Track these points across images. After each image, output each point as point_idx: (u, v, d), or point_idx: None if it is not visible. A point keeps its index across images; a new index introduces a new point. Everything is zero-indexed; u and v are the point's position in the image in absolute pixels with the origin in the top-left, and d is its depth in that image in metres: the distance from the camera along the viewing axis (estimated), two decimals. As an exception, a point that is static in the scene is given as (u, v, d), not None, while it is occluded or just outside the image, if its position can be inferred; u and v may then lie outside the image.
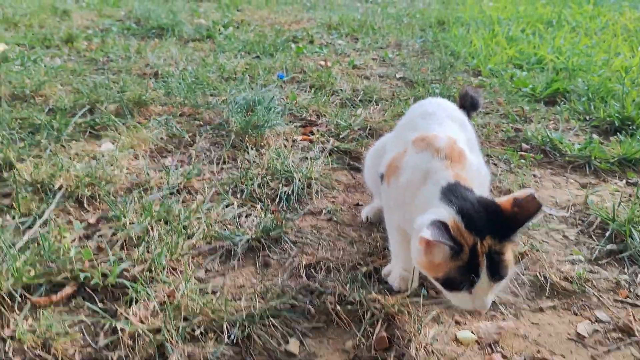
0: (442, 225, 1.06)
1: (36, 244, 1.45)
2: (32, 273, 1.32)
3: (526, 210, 1.11)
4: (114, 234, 1.53)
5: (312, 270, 1.44)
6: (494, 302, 1.31)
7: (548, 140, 2.29)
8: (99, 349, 1.15)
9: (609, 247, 1.61)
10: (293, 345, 1.19)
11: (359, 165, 2.07)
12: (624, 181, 2.06)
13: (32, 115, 2.29)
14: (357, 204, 1.82)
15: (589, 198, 1.87)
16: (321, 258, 1.48)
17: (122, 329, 1.17)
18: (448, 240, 1.05)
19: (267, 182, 1.87)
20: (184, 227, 1.55)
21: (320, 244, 1.56)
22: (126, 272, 1.34)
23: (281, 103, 2.62)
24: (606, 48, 3.94)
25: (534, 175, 2.06)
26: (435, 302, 1.33)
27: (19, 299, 1.25)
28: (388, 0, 7.46)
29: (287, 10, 5.94)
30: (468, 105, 1.72)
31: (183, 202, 1.74)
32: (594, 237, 1.67)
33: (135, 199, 1.71)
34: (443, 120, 1.41)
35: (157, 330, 1.18)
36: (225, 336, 1.18)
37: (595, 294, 1.42)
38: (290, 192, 1.82)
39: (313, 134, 2.34)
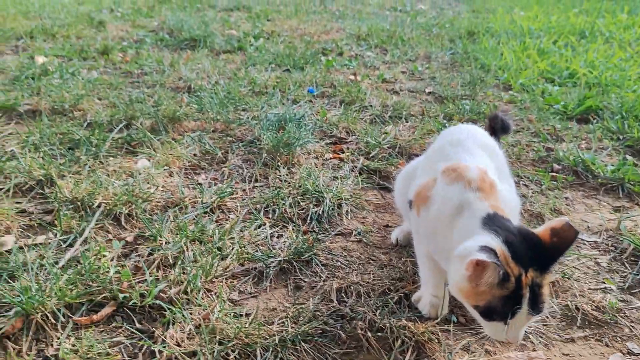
0: (492, 251, 1.07)
1: (77, 263, 1.50)
2: (74, 292, 1.37)
3: (564, 239, 1.12)
4: (150, 253, 1.58)
5: (342, 294, 1.46)
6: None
7: (580, 160, 2.27)
8: (137, 370, 1.19)
9: (642, 276, 1.59)
10: (324, 372, 1.21)
11: (389, 185, 2.09)
12: (659, 205, 2.03)
13: (72, 130, 2.37)
14: (387, 225, 1.84)
15: (622, 223, 1.85)
16: (352, 282, 1.50)
17: (159, 352, 1.22)
18: (501, 265, 1.05)
19: (298, 202, 1.90)
20: (219, 249, 1.59)
21: (350, 267, 1.59)
22: (163, 294, 1.39)
23: (311, 119, 2.65)
24: (641, 62, 3.88)
25: (566, 198, 2.05)
26: (466, 331, 1.34)
27: (62, 318, 1.30)
28: (417, 9, 7.46)
29: (316, 19, 5.99)
30: (498, 128, 1.71)
31: (217, 221, 1.78)
32: (627, 265, 1.66)
33: (171, 217, 1.76)
34: (473, 150, 1.42)
35: (193, 354, 1.22)
36: (259, 361, 1.21)
37: (628, 324, 1.41)
38: (320, 212, 1.85)
39: (343, 152, 2.36)
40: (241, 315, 1.36)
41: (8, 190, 1.90)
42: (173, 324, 1.30)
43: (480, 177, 1.29)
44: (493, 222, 1.18)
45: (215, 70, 3.55)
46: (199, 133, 2.45)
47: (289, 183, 2.03)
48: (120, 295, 1.37)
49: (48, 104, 2.74)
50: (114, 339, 1.27)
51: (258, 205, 1.90)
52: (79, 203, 1.79)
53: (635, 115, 2.76)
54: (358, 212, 1.92)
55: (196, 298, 1.38)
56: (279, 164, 2.20)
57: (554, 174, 2.24)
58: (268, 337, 1.27)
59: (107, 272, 1.45)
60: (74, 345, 1.24)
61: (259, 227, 1.76)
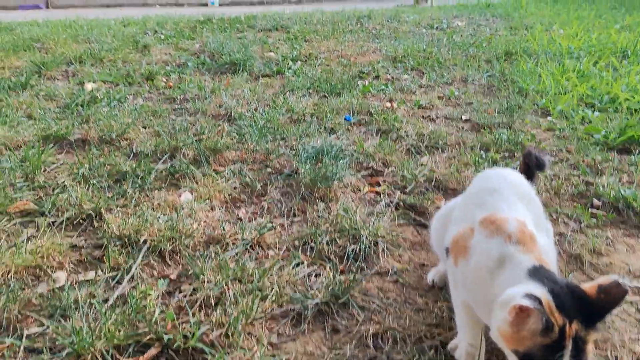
0: (537, 299, 1.08)
1: (124, 301, 1.58)
2: (122, 333, 1.44)
3: (612, 297, 1.12)
4: (193, 292, 1.64)
5: (379, 340, 1.49)
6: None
7: (621, 197, 2.23)
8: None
9: (686, 326, 1.56)
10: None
11: (425, 221, 2.11)
12: None
13: (119, 162, 2.48)
14: (423, 264, 1.86)
15: (665, 267, 1.81)
16: (388, 327, 1.52)
17: (203, 396, 1.27)
18: (545, 313, 1.07)
19: (336, 240, 1.94)
20: (259, 289, 1.64)
21: (387, 310, 1.61)
22: (205, 336, 1.45)
23: (348, 150, 2.69)
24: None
25: (606, 237, 2.02)
26: (501, 381, 1.34)
27: None
28: (454, 26, 7.44)
29: (352, 39, 6.05)
30: (533, 165, 1.70)
31: (256, 259, 1.84)
32: (670, 313, 1.63)
33: (212, 254, 1.83)
34: (510, 199, 1.43)
35: (235, 400, 1.27)
36: (297, 408, 1.25)
37: (670, 379, 1.39)
38: (357, 250, 1.89)
39: (379, 185, 2.39)
40: (280, 360, 1.40)
41: (61, 223, 2.01)
42: (215, 368, 1.35)
43: (520, 229, 1.30)
44: (539, 273, 1.20)
45: (255, 97, 3.64)
46: (239, 165, 2.52)
47: (327, 219, 2.08)
48: (165, 337, 1.43)
49: (96, 133, 2.87)
50: (160, 381, 1.33)
51: (296, 242, 1.95)
52: (126, 239, 1.88)
53: (680, 147, 2.70)
54: (394, 249, 1.94)
55: (237, 342, 1.44)
56: (317, 198, 2.25)
57: (594, 210, 2.21)
58: (306, 384, 1.31)
59: (152, 313, 1.51)
60: (122, 387, 1.30)
61: (297, 265, 1.81)
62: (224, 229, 1.98)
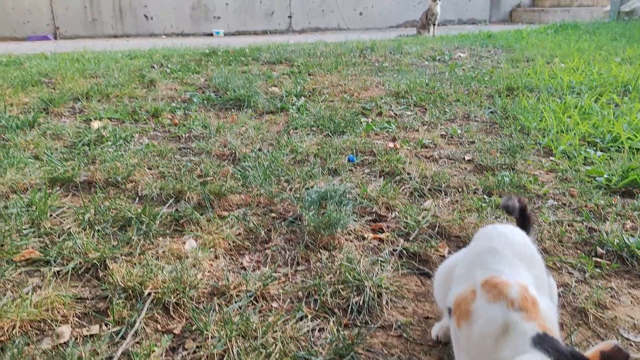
0: None
1: (127, 359, 1.58)
2: (126, 394, 1.44)
3: None
4: (197, 349, 1.64)
5: (383, 401, 1.48)
6: None
7: (625, 245, 2.24)
8: None
9: (692, 386, 1.55)
10: None
11: (428, 270, 2.11)
12: None
13: (124, 207, 2.50)
14: (427, 317, 1.86)
15: (671, 321, 1.81)
16: (392, 388, 1.52)
17: None
18: None
19: (339, 291, 1.95)
20: (262, 345, 1.64)
21: (390, 368, 1.61)
22: (209, 398, 1.44)
23: (352, 194, 2.71)
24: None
25: (611, 289, 2.02)
26: None
27: (115, 422, 1.37)
28: (456, 57, 7.53)
29: (355, 73, 6.13)
30: (516, 215, 1.71)
31: (260, 311, 1.84)
32: (676, 372, 1.62)
33: (217, 307, 1.83)
34: (512, 262, 1.43)
35: None
36: None
37: None
38: (361, 303, 1.89)
39: (383, 231, 2.40)
40: (284, 423, 1.40)
41: (66, 273, 2.02)
42: None
43: (522, 295, 1.31)
44: (544, 341, 1.20)
45: (259, 136, 3.68)
46: (244, 210, 2.54)
47: (330, 269, 2.08)
48: (169, 399, 1.43)
49: (102, 175, 2.90)
50: None
51: (300, 293, 1.95)
52: (130, 291, 1.89)
53: (683, 191, 2.71)
54: (398, 301, 1.95)
55: (241, 404, 1.43)
56: (320, 246, 2.26)
57: (597, 259, 2.21)
58: None
59: (156, 371, 1.52)
60: None
61: (301, 319, 1.81)
62: (228, 280, 1.99)
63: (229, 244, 2.27)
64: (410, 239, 2.34)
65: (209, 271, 2.06)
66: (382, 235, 2.37)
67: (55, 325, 1.75)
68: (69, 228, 2.34)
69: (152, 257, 2.12)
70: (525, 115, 4.15)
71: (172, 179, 2.85)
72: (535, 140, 3.65)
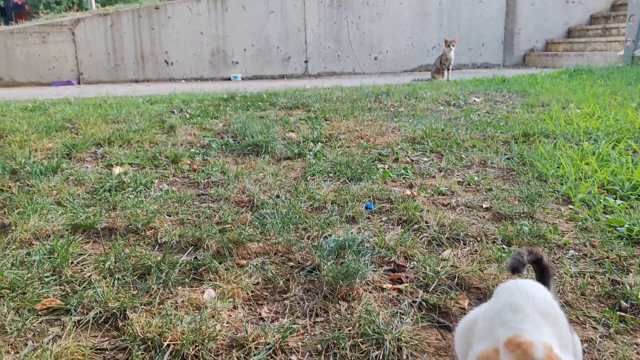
0: None
1: (147, 413, 1.58)
2: None
3: None
4: (216, 404, 1.63)
5: None
6: None
7: (649, 299, 2.20)
8: None
9: None
10: None
11: (449, 323, 2.09)
12: None
13: (144, 255, 2.52)
14: (448, 374, 1.83)
15: (701, 381, 1.75)
16: None
17: None
18: None
19: (359, 344, 1.93)
20: (281, 402, 1.63)
21: None
22: None
23: (370, 243, 2.71)
24: None
25: (636, 345, 1.97)
26: None
27: None
28: (471, 102, 7.60)
29: (371, 118, 6.20)
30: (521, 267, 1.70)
31: (279, 366, 1.83)
32: None
33: (235, 360, 1.82)
34: (535, 320, 1.42)
35: None
36: None
37: None
38: (381, 357, 1.86)
39: (401, 281, 2.39)
40: None
41: (87, 322, 2.03)
42: None
43: (547, 356, 1.29)
44: None
45: (277, 182, 3.72)
46: (262, 260, 2.55)
47: (349, 321, 2.07)
48: None
49: (123, 222, 2.94)
50: None
51: (319, 346, 1.94)
52: (149, 342, 1.89)
53: None
54: (419, 355, 1.92)
55: None
56: (339, 297, 2.25)
57: (621, 313, 2.17)
58: None
59: None
60: None
61: (320, 374, 1.79)
62: (246, 331, 1.98)
63: (248, 293, 2.27)
64: (430, 290, 2.32)
65: (227, 322, 2.06)
66: (400, 286, 2.35)
67: (75, 377, 1.75)
68: (90, 276, 2.37)
69: (171, 306, 2.13)
70: (542, 162, 4.15)
71: (190, 225, 2.89)
72: (553, 187, 3.63)
